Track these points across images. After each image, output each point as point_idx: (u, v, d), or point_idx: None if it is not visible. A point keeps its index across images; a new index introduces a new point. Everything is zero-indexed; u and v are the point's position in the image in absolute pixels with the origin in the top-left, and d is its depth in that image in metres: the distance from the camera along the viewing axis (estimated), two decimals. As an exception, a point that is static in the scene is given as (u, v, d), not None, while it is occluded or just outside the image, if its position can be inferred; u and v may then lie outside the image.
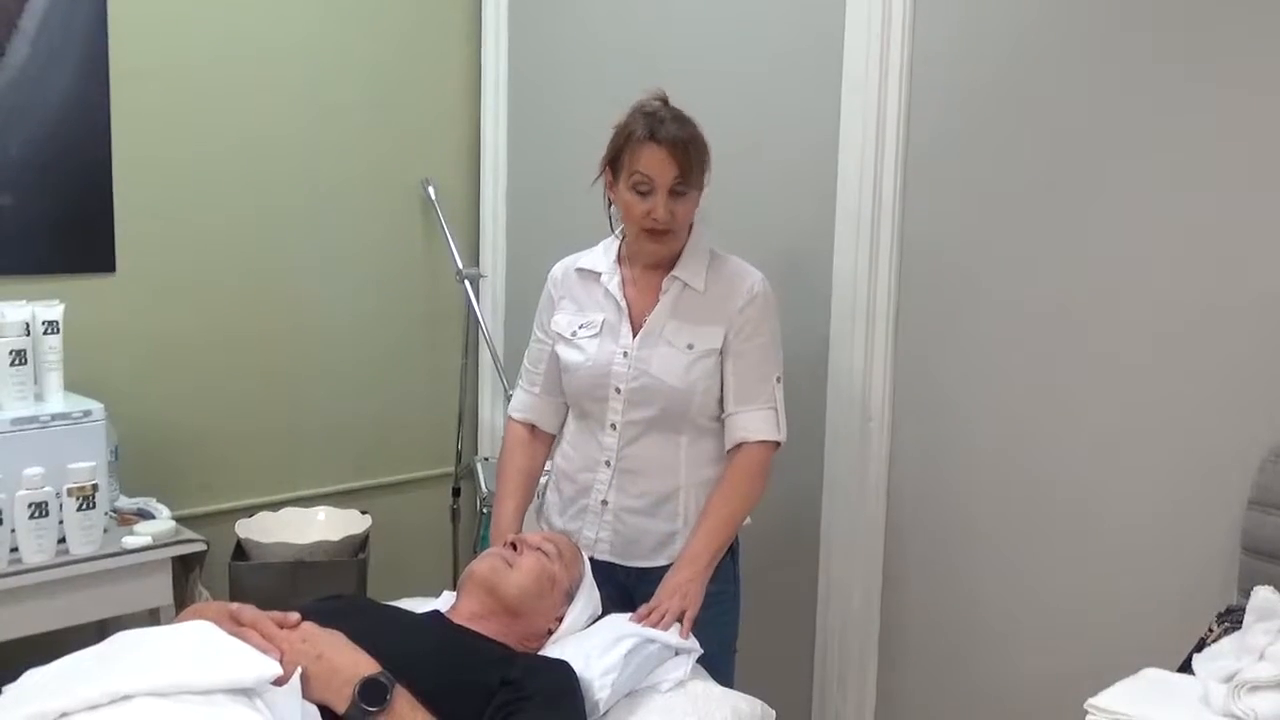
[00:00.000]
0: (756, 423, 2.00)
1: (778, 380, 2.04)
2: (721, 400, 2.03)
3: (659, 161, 1.91)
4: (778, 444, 2.03)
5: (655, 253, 2.01)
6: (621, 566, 2.04)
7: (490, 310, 3.25)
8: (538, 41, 3.10)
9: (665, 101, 1.98)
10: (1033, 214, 2.07)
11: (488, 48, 3.21)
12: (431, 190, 3.14)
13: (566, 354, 2.07)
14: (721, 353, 2.01)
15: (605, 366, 2.02)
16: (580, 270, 2.12)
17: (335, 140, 3.00)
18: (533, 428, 2.17)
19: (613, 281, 2.06)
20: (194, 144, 2.76)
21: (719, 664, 1.99)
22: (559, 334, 2.10)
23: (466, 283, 3.08)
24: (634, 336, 2.02)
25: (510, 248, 3.24)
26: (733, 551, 2.09)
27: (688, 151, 1.91)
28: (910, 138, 2.23)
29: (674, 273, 2.02)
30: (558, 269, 2.16)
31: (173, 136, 2.73)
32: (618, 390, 2.01)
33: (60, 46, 2.54)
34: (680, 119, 1.95)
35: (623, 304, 2.04)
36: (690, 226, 2.04)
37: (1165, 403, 1.92)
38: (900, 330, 2.29)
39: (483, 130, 3.24)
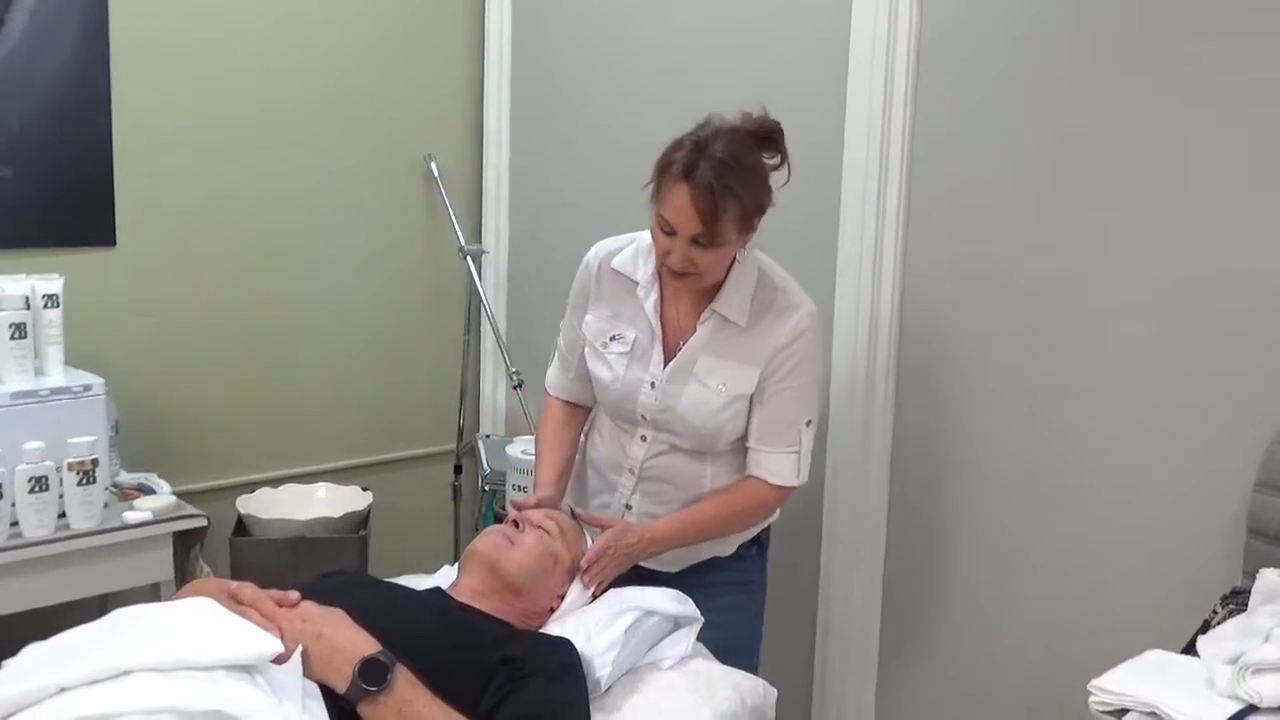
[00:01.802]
0: (774, 465, 1.90)
1: (808, 424, 1.90)
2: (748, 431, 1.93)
3: (683, 209, 1.72)
4: (792, 488, 1.93)
5: (678, 289, 1.87)
6: (644, 568, 1.96)
7: (492, 287, 3.24)
8: (541, 16, 3.07)
9: (744, 129, 1.77)
10: (1040, 197, 2.05)
11: (491, 22, 3.18)
12: (434, 165, 3.12)
13: (594, 366, 1.98)
14: (753, 394, 1.89)
15: (632, 392, 1.92)
16: (615, 271, 1.96)
17: (337, 115, 2.98)
18: (569, 403, 2.10)
19: (649, 299, 1.92)
20: (195, 117, 2.74)
21: (742, 656, 1.95)
22: (589, 340, 1.98)
23: (469, 259, 3.07)
24: (664, 367, 1.90)
25: (513, 224, 3.23)
26: (760, 546, 2.07)
27: (716, 208, 1.70)
28: (917, 120, 2.21)
29: (714, 305, 1.87)
30: (594, 258, 2.00)
31: (174, 109, 2.71)
32: (644, 417, 1.93)
33: (60, 17, 2.51)
34: (730, 163, 1.71)
35: (657, 328, 1.91)
36: (733, 260, 1.87)
37: (1172, 385, 1.91)
38: (905, 312, 2.27)
39: (485, 105, 3.22)
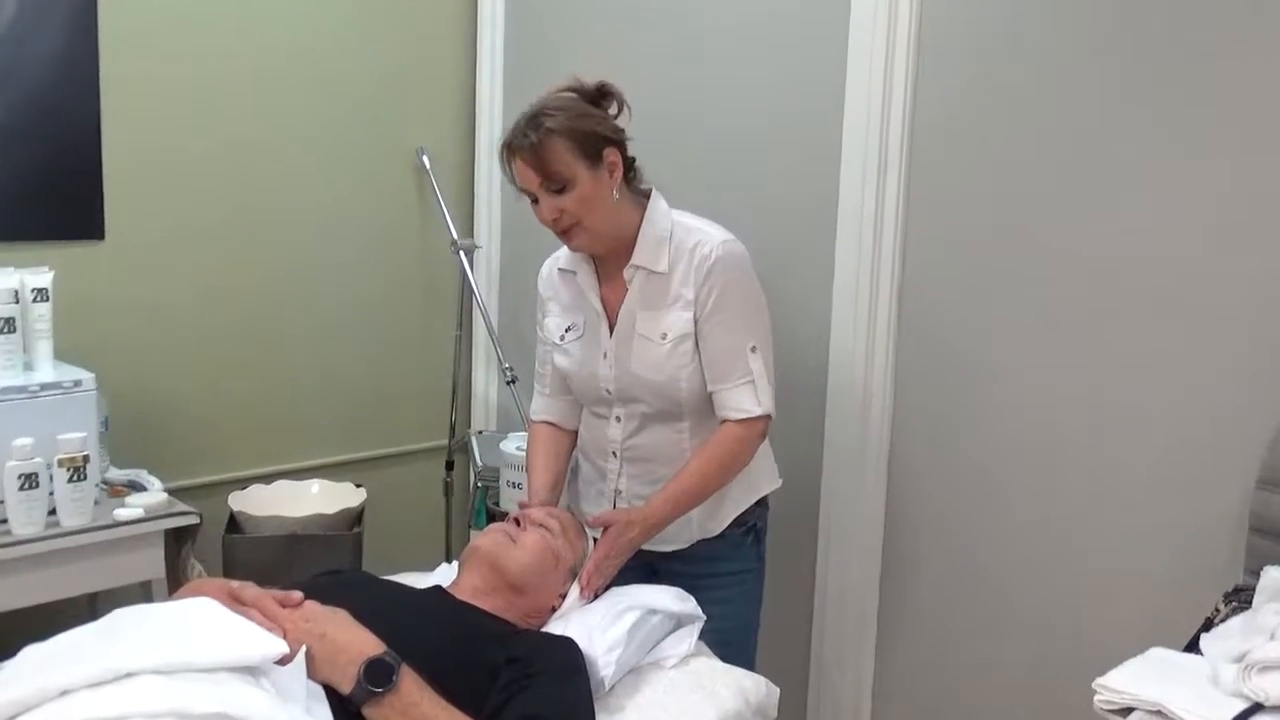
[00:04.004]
0: (734, 399, 1.93)
1: (753, 349, 1.92)
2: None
3: (521, 172, 1.87)
4: (765, 417, 1.94)
5: (579, 249, 1.95)
6: (644, 549, 1.97)
7: (485, 281, 3.22)
8: (534, 7, 3.05)
9: (561, 89, 1.91)
10: (1041, 186, 2.05)
11: (484, 13, 3.15)
12: (426, 159, 3.10)
13: (559, 360, 2.05)
14: (696, 333, 1.93)
15: (592, 370, 1.99)
16: (562, 270, 2.07)
17: (329, 107, 2.95)
18: (553, 425, 2.14)
19: (587, 282, 2.01)
20: (184, 109, 2.71)
21: (740, 645, 1.98)
22: (551, 340, 2.07)
23: (461, 254, 3.04)
24: (611, 336, 1.98)
25: (505, 218, 3.20)
26: (757, 533, 2.08)
27: (539, 152, 1.83)
28: (917, 111, 2.20)
29: (633, 261, 1.94)
30: (544, 269, 2.12)
31: (163, 101, 2.68)
32: (608, 391, 1.99)
33: (49, 6, 2.47)
34: (541, 112, 1.85)
35: (598, 305, 1.99)
36: (645, 204, 1.95)
37: (1173, 381, 1.91)
38: (903, 303, 2.27)
39: (478, 98, 3.19)
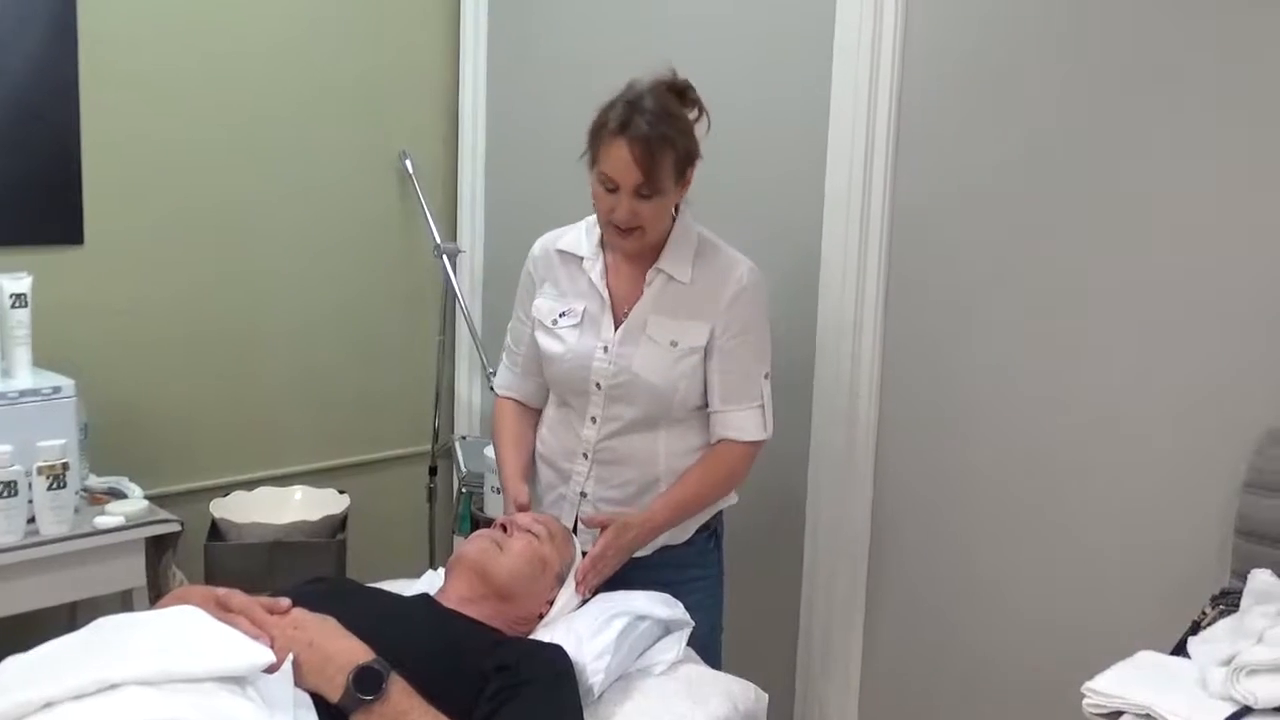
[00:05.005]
0: (742, 422, 1.95)
1: (765, 376, 1.98)
2: (705, 394, 1.97)
3: (623, 162, 1.81)
4: (764, 442, 1.99)
5: (624, 248, 1.93)
6: None
7: (468, 286, 3.21)
8: (517, 10, 3.04)
9: (664, 84, 1.88)
10: (1028, 188, 2.06)
11: (466, 17, 3.14)
12: (409, 163, 3.08)
13: (547, 343, 2.01)
14: (706, 348, 1.94)
15: (586, 360, 1.96)
16: (561, 252, 2.04)
17: (311, 111, 2.93)
18: (519, 402, 2.14)
19: (595, 269, 1.98)
20: (164, 113, 2.68)
21: (707, 647, 1.99)
22: (539, 320, 2.03)
23: (444, 258, 3.03)
24: (615, 330, 1.95)
25: (489, 222, 3.19)
26: (716, 535, 2.09)
27: (654, 156, 1.80)
28: (902, 106, 2.21)
29: (658, 265, 1.94)
30: (538, 248, 2.08)
31: (143, 105, 2.65)
32: (598, 385, 1.96)
33: (28, 11, 2.44)
34: (662, 115, 1.82)
35: (605, 296, 1.97)
36: (675, 214, 1.96)
37: (1161, 384, 1.92)
38: (889, 306, 2.27)
39: (461, 102, 3.18)
